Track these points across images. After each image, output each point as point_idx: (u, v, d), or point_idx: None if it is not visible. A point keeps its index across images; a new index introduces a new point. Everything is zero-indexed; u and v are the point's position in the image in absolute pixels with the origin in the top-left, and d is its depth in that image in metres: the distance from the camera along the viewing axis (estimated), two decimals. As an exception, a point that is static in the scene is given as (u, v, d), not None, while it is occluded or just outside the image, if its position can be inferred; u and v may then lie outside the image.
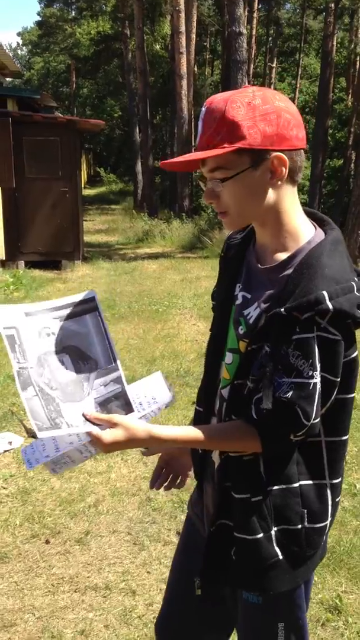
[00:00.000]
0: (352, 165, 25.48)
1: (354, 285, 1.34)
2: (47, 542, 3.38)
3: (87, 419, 1.42)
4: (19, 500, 3.79)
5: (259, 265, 1.50)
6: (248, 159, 1.35)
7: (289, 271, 1.41)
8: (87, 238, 15.08)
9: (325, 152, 25.08)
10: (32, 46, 55.66)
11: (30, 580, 3.09)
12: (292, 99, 36.30)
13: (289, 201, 1.43)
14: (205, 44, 38.65)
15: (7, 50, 10.22)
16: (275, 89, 34.74)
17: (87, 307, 1.56)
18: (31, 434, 4.29)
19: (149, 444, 1.44)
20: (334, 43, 25.90)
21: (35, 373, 1.42)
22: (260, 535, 1.47)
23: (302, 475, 1.48)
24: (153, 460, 4.27)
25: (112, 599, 2.97)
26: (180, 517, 3.56)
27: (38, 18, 46.69)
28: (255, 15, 31.18)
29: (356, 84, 28.35)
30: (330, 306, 1.30)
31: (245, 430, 1.41)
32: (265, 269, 1.47)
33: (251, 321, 1.47)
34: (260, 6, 33.41)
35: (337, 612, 2.89)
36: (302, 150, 1.41)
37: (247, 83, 17.12)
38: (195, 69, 29.24)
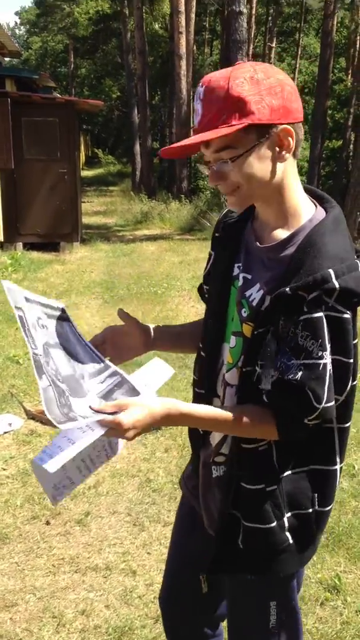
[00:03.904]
0: (351, 146, 25.34)
1: (359, 263, 1.34)
2: (48, 523, 3.40)
3: (95, 411, 1.32)
4: (19, 482, 3.80)
5: (258, 244, 1.47)
6: (256, 135, 1.31)
7: (291, 250, 1.38)
8: (85, 220, 15.02)
9: (324, 133, 24.90)
10: (30, 26, 55.06)
11: (30, 560, 3.11)
12: (292, 79, 35.97)
13: (292, 176, 1.40)
14: (204, 23, 38.21)
15: (5, 30, 10.10)
16: (274, 69, 34.37)
17: (62, 315, 1.54)
18: (30, 416, 4.32)
19: (168, 421, 1.37)
20: (334, 23, 25.62)
21: (44, 362, 1.37)
22: (274, 523, 1.48)
23: (313, 459, 1.49)
24: (152, 441, 4.28)
25: (113, 579, 2.98)
26: (180, 498, 3.58)
27: (36, -3, 46.04)
28: (255, -6, 30.82)
29: (356, 64, 28.08)
30: (337, 284, 1.28)
31: (262, 414, 1.39)
32: (265, 247, 1.44)
33: (254, 303, 1.43)
34: (260, -15, 33.02)
35: (335, 591, 2.91)
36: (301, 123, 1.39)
37: (246, 63, 16.94)
38: (195, 48, 28.95)
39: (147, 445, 4.27)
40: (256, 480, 1.46)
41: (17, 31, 66.17)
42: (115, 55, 38.93)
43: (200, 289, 1.77)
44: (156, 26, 32.26)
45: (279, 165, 1.36)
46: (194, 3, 23.46)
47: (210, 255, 1.68)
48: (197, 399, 1.64)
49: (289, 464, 1.46)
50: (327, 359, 1.31)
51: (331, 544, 3.24)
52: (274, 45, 35.31)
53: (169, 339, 1.75)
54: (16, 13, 72.85)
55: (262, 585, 1.59)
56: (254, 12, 29.92)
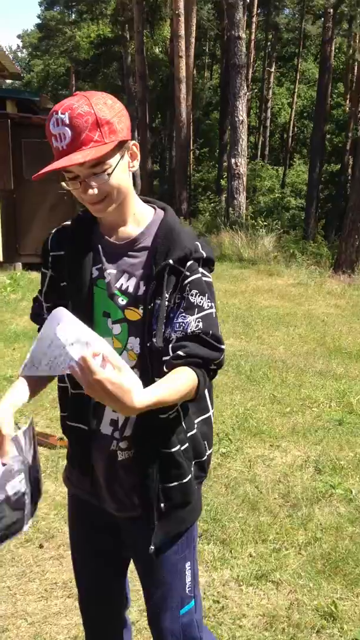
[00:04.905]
0: (350, 170, 25.50)
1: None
2: (41, 546, 3.35)
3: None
4: (13, 504, 3.75)
5: (117, 242, 1.69)
6: (119, 150, 1.57)
7: (147, 241, 1.67)
8: (84, 241, 15.07)
9: (323, 157, 25.07)
10: (32, 49, 55.51)
11: (23, 585, 3.06)
12: (290, 104, 36.56)
13: (132, 184, 1.68)
14: (204, 48, 38.71)
15: (7, 52, 10.18)
16: (273, 93, 34.42)
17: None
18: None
19: (129, 407, 1.40)
20: (332, 49, 25.93)
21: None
22: (190, 476, 1.73)
23: (198, 413, 1.77)
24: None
25: (106, 604, 2.94)
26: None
27: (38, 21, 46.60)
28: (254, 20, 31.25)
29: (354, 89, 28.39)
30: (204, 253, 1.66)
31: (190, 373, 1.57)
32: (124, 244, 1.68)
33: (130, 290, 1.65)
34: (259, 11, 33.48)
35: (332, 619, 2.87)
36: None
37: (245, 87, 17.14)
38: (195, 72, 29.25)
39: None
40: (173, 444, 1.68)
41: (19, 54, 66.59)
42: (116, 78, 39.33)
43: (40, 308, 1.84)
44: (156, 50, 32.67)
45: (129, 174, 1.64)
46: (194, 28, 23.77)
47: (45, 274, 1.81)
48: (77, 400, 1.70)
49: (190, 423, 1.74)
50: (214, 308, 1.65)
51: (328, 570, 3.19)
52: (272, 70, 35.73)
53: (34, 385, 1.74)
54: (18, 36, 73.54)
55: (177, 553, 1.79)
56: (253, 37, 30.33)
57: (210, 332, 1.60)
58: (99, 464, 1.75)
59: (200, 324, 1.59)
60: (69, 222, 1.81)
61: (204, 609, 2.88)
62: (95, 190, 1.56)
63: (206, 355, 1.59)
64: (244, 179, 17.11)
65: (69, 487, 1.95)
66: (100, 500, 1.80)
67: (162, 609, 1.83)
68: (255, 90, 35.81)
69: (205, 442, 1.79)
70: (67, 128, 1.49)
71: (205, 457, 1.80)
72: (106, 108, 1.51)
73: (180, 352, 1.57)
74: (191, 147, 26.29)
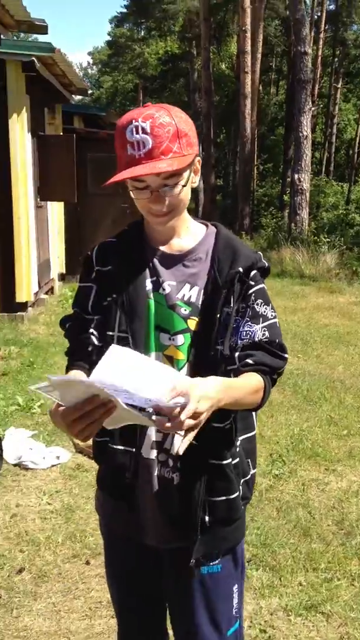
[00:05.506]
0: None
1: None
2: (88, 563, 3.32)
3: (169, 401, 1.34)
4: (62, 518, 3.75)
5: (175, 253, 1.68)
6: (190, 163, 1.57)
7: (205, 251, 1.68)
8: (145, 254, 15.19)
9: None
10: (102, 65, 56.58)
11: (68, 602, 3.03)
12: (357, 120, 36.10)
13: None
14: (271, 64, 38.64)
15: (77, 69, 10.40)
16: (339, 109, 34.06)
17: None
18: (78, 450, 4.24)
19: (219, 390, 1.43)
20: None
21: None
22: (237, 493, 1.68)
23: (243, 430, 1.73)
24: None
25: (150, 626, 2.88)
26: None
27: (108, 38, 47.38)
28: (321, 36, 31.04)
29: None
30: (266, 263, 1.71)
31: (258, 378, 1.59)
32: (181, 255, 1.68)
33: (193, 299, 1.65)
34: (327, 27, 33.25)
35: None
36: None
37: (310, 103, 17.01)
38: (260, 88, 29.22)
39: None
40: (224, 456, 1.65)
41: (89, 70, 67.99)
42: (182, 94, 39.67)
43: (81, 321, 1.72)
44: (223, 66, 32.83)
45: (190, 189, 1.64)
46: (260, 44, 23.77)
47: (90, 287, 1.73)
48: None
49: (237, 438, 1.70)
50: (277, 319, 1.68)
51: (382, 603, 3.06)
52: (339, 85, 35.38)
53: None
54: (89, 53, 74.93)
55: (228, 572, 1.74)
56: (320, 53, 30.13)
57: (277, 340, 1.64)
58: (143, 490, 1.67)
59: (267, 333, 1.63)
60: (112, 239, 1.77)
61: (250, 637, 2.80)
62: (167, 202, 1.56)
63: (273, 363, 1.62)
64: (307, 194, 16.94)
65: (103, 516, 1.89)
66: (139, 531, 1.71)
67: (209, 632, 1.74)
68: (321, 106, 35.52)
69: (249, 460, 1.76)
70: (147, 136, 1.50)
71: (250, 476, 1.76)
72: (183, 121, 1.54)
73: (248, 360, 1.59)
74: (255, 162, 26.25)
